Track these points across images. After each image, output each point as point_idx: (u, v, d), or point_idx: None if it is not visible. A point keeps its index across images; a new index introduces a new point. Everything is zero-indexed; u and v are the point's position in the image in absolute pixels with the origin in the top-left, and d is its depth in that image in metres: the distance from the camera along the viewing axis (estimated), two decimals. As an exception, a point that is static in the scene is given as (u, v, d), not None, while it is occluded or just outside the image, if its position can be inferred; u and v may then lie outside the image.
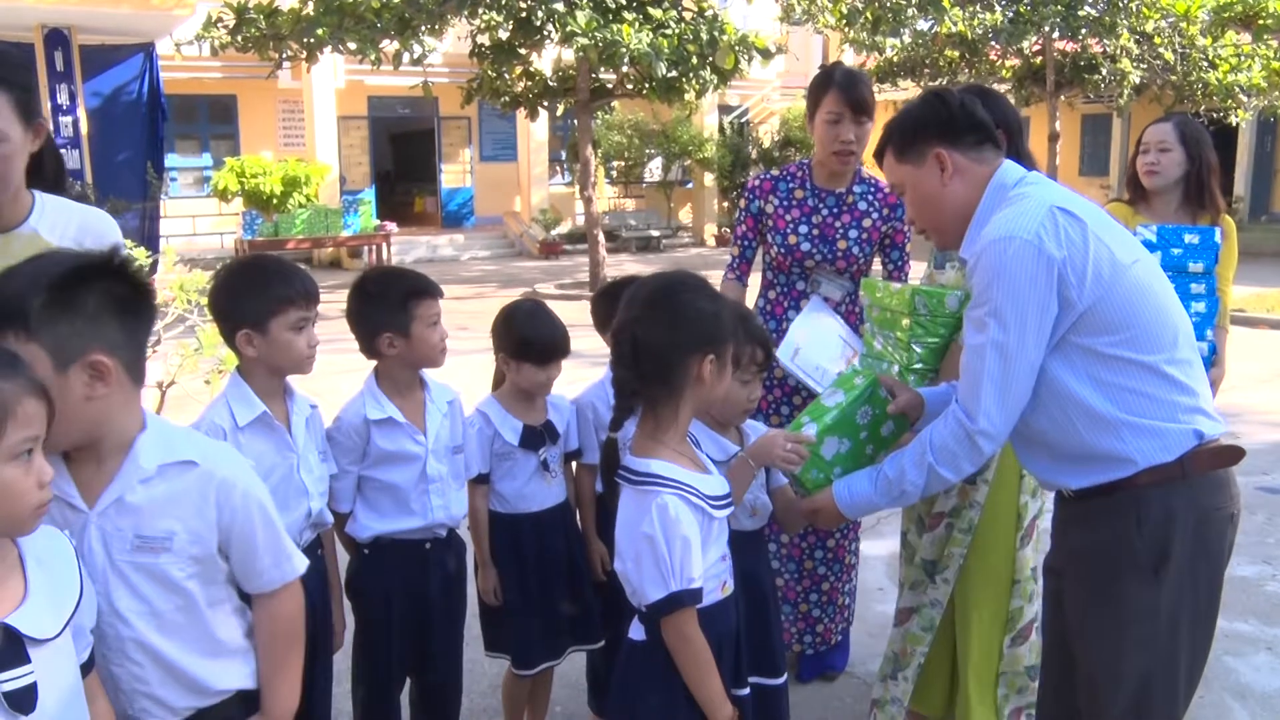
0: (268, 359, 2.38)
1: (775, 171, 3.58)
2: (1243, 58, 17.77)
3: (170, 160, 17.32)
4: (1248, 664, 3.82)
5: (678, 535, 1.99)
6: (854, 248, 3.43)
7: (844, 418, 2.43)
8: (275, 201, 16.86)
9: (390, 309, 2.65)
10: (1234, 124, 19.87)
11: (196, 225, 19.49)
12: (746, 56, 13.78)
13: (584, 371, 3.47)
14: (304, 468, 2.45)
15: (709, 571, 2.09)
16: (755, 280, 3.70)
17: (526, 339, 2.89)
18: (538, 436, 2.95)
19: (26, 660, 1.51)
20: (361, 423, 2.66)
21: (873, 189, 3.49)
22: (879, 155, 2.43)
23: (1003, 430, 2.15)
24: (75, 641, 1.63)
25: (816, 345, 3.31)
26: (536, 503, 2.96)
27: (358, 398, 2.72)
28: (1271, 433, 7.05)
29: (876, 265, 3.56)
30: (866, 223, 3.45)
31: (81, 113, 12.97)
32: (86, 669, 1.67)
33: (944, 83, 20.40)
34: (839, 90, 3.32)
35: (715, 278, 3.09)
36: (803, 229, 3.44)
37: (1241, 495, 2.19)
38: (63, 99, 12.75)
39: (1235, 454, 2.13)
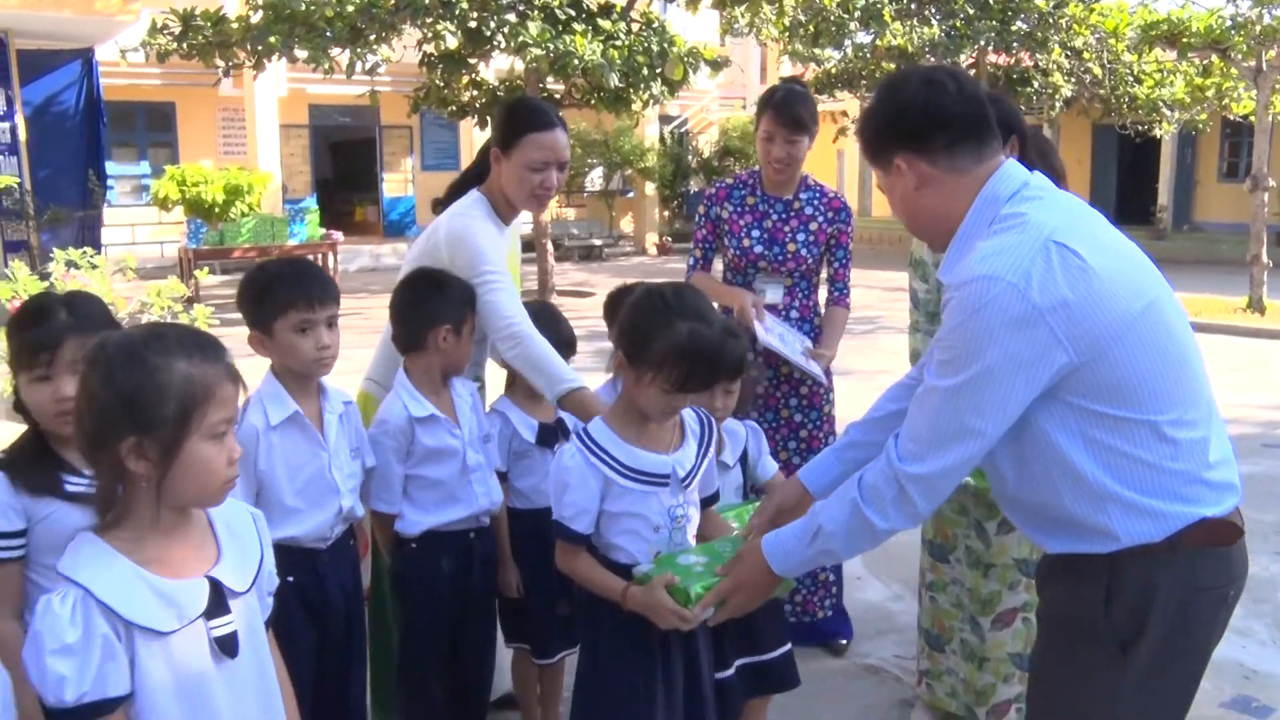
0: (278, 360, 2.47)
1: (729, 180, 3.91)
2: (1166, 73, 18.55)
3: (108, 168, 17.01)
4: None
5: (558, 477, 2.30)
6: (802, 250, 3.75)
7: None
8: (218, 210, 16.66)
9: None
10: (1158, 136, 20.60)
11: (135, 234, 19.17)
12: (694, 68, 13.99)
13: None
14: (335, 465, 2.51)
15: (624, 529, 2.30)
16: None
17: None
18: (553, 433, 3.07)
19: (228, 610, 1.66)
20: (406, 422, 2.72)
21: (818, 195, 3.81)
22: None
23: (937, 489, 1.88)
24: (259, 601, 1.77)
25: (786, 335, 3.67)
26: (555, 497, 3.07)
27: (394, 397, 2.78)
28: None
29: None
30: (813, 226, 3.76)
31: (20, 119, 12.73)
32: (268, 625, 1.81)
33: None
34: (772, 110, 3.64)
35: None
36: (755, 233, 3.75)
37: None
38: (-1, 105, 12.56)
39: (1231, 532, 1.83)
